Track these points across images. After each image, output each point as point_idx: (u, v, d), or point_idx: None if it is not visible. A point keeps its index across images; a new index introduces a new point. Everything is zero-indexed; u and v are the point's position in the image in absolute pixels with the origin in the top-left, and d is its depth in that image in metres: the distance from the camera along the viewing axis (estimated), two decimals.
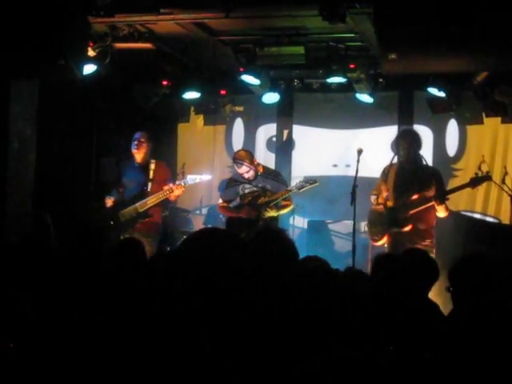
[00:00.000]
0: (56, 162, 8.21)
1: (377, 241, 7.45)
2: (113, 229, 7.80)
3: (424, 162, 7.48)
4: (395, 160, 7.54)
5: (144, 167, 8.02)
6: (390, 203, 7.41)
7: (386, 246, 7.43)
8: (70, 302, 3.31)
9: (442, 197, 7.18)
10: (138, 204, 7.84)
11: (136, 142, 8.00)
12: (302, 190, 7.78)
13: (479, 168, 7.22)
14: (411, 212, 7.20)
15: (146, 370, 2.32)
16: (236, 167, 7.99)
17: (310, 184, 7.77)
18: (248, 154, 8.00)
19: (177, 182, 7.77)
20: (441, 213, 7.23)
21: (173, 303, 2.44)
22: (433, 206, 7.23)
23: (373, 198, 7.59)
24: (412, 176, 7.33)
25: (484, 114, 8.67)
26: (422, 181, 7.30)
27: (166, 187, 7.80)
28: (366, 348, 2.88)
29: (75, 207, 8.09)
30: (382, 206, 7.42)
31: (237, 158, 7.96)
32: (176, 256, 2.51)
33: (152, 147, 8.12)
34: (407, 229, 7.21)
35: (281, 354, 2.39)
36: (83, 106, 8.65)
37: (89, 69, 7.20)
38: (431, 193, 7.24)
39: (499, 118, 8.69)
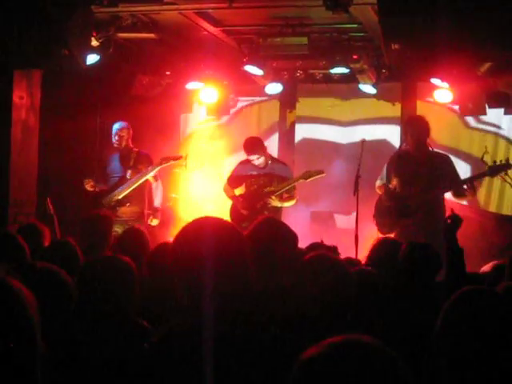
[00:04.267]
0: (59, 152, 8.22)
1: (385, 233, 7.07)
2: None
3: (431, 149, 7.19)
4: (403, 147, 7.29)
5: (125, 156, 7.88)
6: (398, 193, 7.12)
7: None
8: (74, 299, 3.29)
9: (463, 183, 6.85)
10: (116, 191, 7.71)
11: (116, 137, 7.84)
12: (308, 180, 7.75)
13: (482, 159, 7.18)
14: (421, 202, 6.90)
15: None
16: (246, 155, 7.89)
17: (317, 174, 7.74)
18: (258, 142, 7.92)
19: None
20: (466, 198, 6.97)
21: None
22: (443, 196, 7.00)
23: (378, 182, 7.32)
24: (422, 164, 7.03)
25: (487, 105, 8.66)
26: (433, 169, 6.98)
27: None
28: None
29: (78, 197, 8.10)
30: (390, 196, 7.12)
31: (247, 146, 7.86)
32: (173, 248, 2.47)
33: (133, 134, 7.94)
34: (416, 220, 6.89)
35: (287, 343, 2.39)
36: (86, 95, 8.66)
37: (92, 58, 7.20)
38: (443, 181, 6.94)
39: (502, 109, 8.69)
